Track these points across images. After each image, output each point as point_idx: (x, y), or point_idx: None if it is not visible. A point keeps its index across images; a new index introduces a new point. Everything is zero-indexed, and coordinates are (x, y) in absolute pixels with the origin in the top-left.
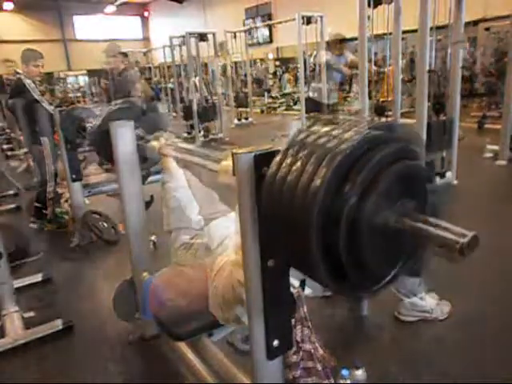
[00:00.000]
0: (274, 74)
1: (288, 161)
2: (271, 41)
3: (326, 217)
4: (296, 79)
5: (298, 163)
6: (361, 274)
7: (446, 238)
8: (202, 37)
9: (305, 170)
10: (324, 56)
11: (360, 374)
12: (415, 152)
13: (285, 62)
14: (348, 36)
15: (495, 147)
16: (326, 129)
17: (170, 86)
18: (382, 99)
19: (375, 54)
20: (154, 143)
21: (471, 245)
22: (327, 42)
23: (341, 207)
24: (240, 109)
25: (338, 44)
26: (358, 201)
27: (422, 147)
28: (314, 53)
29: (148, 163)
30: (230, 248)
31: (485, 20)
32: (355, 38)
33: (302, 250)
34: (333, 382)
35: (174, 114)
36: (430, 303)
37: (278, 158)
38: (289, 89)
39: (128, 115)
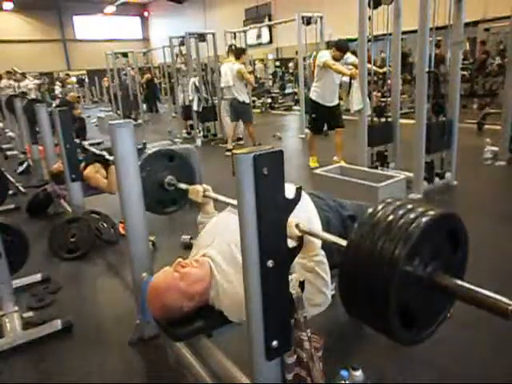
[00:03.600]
0: (274, 74)
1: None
2: (271, 41)
3: (403, 279)
4: (296, 80)
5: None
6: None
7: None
8: (202, 37)
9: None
10: (324, 57)
11: (358, 374)
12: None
13: (285, 63)
14: (347, 37)
15: (495, 148)
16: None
17: (169, 86)
18: (381, 99)
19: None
20: (198, 187)
21: None
22: (327, 43)
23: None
24: None
25: (342, 53)
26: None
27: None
28: (314, 53)
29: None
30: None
31: (484, 21)
32: (355, 39)
33: (380, 306)
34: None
35: (174, 114)
36: None
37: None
38: (289, 89)
39: None
